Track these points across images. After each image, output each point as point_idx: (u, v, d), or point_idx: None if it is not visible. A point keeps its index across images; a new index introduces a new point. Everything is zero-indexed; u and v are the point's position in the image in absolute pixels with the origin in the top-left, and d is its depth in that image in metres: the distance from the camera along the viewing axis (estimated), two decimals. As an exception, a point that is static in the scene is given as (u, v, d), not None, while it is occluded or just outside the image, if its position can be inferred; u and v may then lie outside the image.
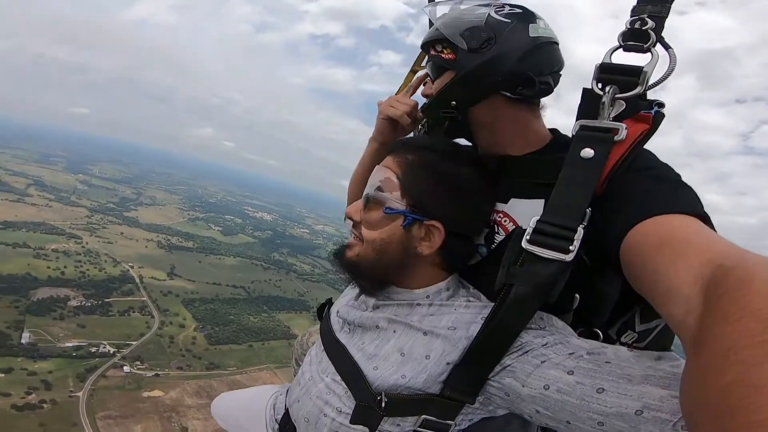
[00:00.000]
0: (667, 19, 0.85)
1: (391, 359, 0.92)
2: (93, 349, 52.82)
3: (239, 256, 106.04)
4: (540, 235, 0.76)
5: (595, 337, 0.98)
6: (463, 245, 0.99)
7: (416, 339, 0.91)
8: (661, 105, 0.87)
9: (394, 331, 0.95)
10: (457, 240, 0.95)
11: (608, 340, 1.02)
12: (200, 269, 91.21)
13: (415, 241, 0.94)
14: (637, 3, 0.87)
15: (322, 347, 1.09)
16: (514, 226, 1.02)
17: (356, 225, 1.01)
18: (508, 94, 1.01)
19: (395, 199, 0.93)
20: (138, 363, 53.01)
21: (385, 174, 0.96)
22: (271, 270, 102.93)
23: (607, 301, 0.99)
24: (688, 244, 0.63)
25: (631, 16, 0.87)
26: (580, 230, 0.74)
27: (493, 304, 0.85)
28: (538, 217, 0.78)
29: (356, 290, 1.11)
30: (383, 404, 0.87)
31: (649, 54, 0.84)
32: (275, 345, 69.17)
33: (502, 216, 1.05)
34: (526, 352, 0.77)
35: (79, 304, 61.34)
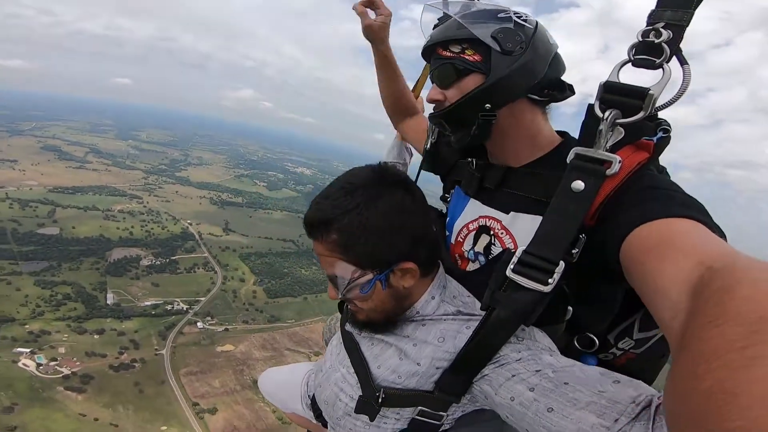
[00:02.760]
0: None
1: (391, 361, 0.96)
2: (168, 307, 55.30)
3: (285, 210, 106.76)
4: (523, 266, 0.77)
5: (591, 344, 0.99)
6: (428, 251, 0.95)
7: (409, 348, 0.94)
8: (667, 130, 0.82)
9: (392, 344, 0.98)
10: (423, 251, 0.93)
11: (606, 344, 1.03)
12: (251, 224, 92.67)
13: (398, 286, 0.93)
14: (656, 7, 0.76)
15: (341, 339, 1.13)
16: (510, 240, 1.03)
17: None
18: (536, 98, 0.98)
19: (359, 277, 0.90)
20: (209, 318, 55.27)
21: (333, 263, 0.91)
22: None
23: (607, 310, 0.98)
24: (679, 247, 0.60)
25: (647, 24, 0.77)
26: (562, 264, 0.74)
27: (477, 314, 0.92)
28: (524, 248, 0.79)
29: None
30: (380, 400, 0.93)
31: (660, 71, 0.75)
32: (326, 297, 69.93)
33: (500, 228, 1.05)
34: (502, 365, 0.81)
35: (149, 263, 63.69)
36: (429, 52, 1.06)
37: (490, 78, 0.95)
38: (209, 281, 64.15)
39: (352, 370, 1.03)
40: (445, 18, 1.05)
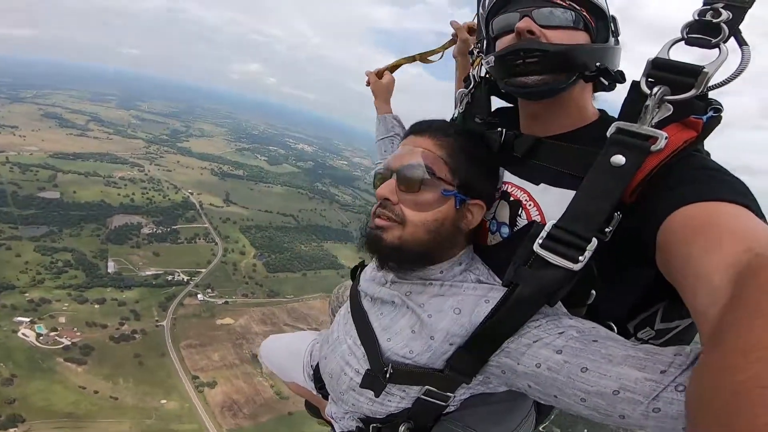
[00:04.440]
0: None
1: (403, 334, 0.91)
2: (169, 278, 54.23)
3: (286, 185, 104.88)
4: (552, 241, 0.72)
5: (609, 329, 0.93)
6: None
7: (423, 320, 0.89)
8: (719, 109, 0.75)
9: (407, 307, 0.93)
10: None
11: (625, 333, 0.95)
12: (252, 196, 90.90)
13: (463, 216, 0.93)
14: None
15: (350, 309, 1.08)
16: (537, 212, 0.95)
17: (388, 206, 0.92)
18: (603, 80, 0.93)
19: (448, 182, 0.90)
20: (209, 291, 54.35)
21: (432, 156, 0.91)
22: (315, 199, 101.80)
23: (629, 295, 0.92)
24: (726, 231, 0.57)
25: (704, 4, 0.72)
26: (594, 241, 0.69)
27: (497, 284, 0.88)
28: (554, 221, 0.74)
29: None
30: (388, 375, 0.89)
31: (716, 50, 0.70)
32: (325, 274, 69.33)
33: (527, 198, 0.97)
34: (520, 335, 0.76)
35: (151, 231, 62.19)
36: None
37: (606, 43, 0.94)
38: (210, 252, 62.86)
39: (359, 342, 0.98)
40: None
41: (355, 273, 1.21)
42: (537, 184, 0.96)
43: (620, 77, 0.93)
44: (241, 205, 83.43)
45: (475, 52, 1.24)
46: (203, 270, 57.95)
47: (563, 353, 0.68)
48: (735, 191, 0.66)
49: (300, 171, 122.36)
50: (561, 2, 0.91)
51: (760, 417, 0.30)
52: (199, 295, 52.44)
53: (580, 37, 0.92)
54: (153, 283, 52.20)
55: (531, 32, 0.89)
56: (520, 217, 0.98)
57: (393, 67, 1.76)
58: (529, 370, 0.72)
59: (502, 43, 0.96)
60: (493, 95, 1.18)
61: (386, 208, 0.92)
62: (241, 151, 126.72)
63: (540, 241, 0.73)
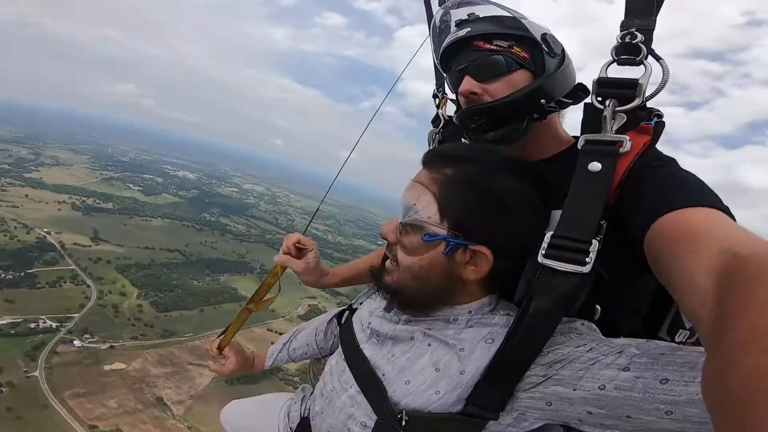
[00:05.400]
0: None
1: (426, 373, 0.80)
2: (32, 325, 46.25)
3: (167, 217, 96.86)
4: (555, 249, 0.71)
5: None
6: (514, 265, 0.79)
7: (452, 355, 0.79)
8: (660, 115, 0.83)
9: (429, 345, 0.83)
10: (508, 260, 0.79)
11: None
12: (127, 232, 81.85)
13: (459, 267, 0.80)
14: (625, 17, 0.82)
15: (344, 357, 0.97)
16: None
17: (391, 246, 0.87)
18: (566, 100, 0.97)
19: (434, 224, 0.78)
20: (88, 336, 47.80)
21: (419, 193, 0.81)
22: (204, 231, 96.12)
23: (640, 305, 0.92)
24: (705, 235, 0.58)
25: (621, 31, 0.81)
26: (595, 242, 0.69)
27: None
28: (551, 232, 0.73)
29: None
30: (404, 422, 0.78)
31: (642, 67, 0.79)
32: (227, 308, 65.93)
33: None
34: (571, 361, 0.70)
35: (-2, 277, 51.90)
36: (460, 45, 0.99)
37: (544, 76, 0.95)
38: (81, 296, 55.18)
39: (361, 391, 0.87)
40: (464, 20, 0.99)
41: (341, 317, 1.16)
42: None
43: (581, 93, 0.97)
44: (114, 243, 74.62)
45: (440, 95, 1.33)
46: (76, 315, 50.61)
47: (631, 370, 0.64)
48: (702, 194, 0.70)
49: (183, 201, 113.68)
50: (489, 47, 0.95)
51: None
52: (75, 342, 45.73)
53: (520, 79, 0.95)
54: (12, 332, 43.92)
55: (474, 93, 0.95)
56: None
57: (230, 335, 1.40)
58: (591, 394, 0.67)
59: (460, 102, 1.04)
60: (464, 133, 1.14)
61: (389, 248, 0.88)
62: (108, 180, 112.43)
63: (543, 252, 0.72)
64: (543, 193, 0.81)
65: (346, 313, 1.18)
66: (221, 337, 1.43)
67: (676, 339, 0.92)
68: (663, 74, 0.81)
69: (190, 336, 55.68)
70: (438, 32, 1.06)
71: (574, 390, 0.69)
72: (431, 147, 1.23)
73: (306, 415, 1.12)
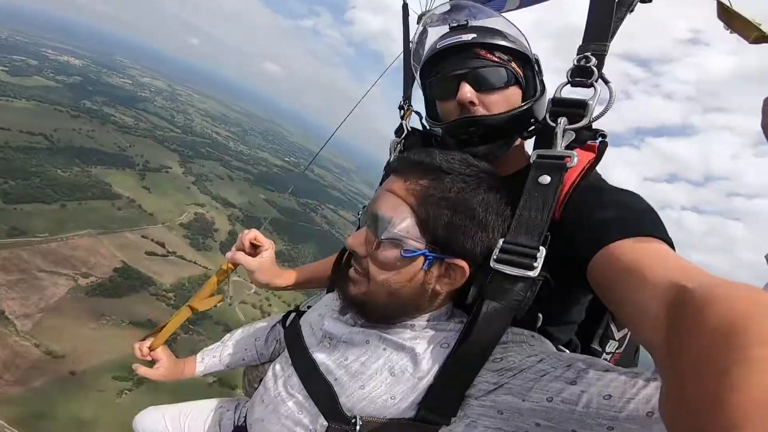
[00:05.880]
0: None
1: (380, 377, 0.81)
2: None
3: (36, 99, 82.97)
4: (506, 254, 0.75)
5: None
6: (485, 275, 0.79)
7: (407, 359, 0.81)
8: (605, 135, 0.89)
9: (384, 349, 0.84)
10: (481, 272, 0.80)
11: (592, 354, 1.04)
12: (-25, 109, 69.15)
13: (433, 279, 0.81)
14: (582, 42, 0.88)
15: (290, 362, 0.96)
16: None
17: (360, 259, 0.85)
18: (548, 122, 0.93)
19: (413, 238, 0.78)
20: None
21: (395, 205, 0.80)
22: (82, 119, 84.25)
23: (574, 317, 0.99)
24: (651, 267, 0.62)
25: (577, 54, 0.88)
26: (543, 249, 0.74)
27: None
28: (502, 239, 0.77)
29: (337, 301, 0.95)
30: (357, 428, 0.79)
31: (592, 89, 0.86)
32: (96, 205, 59.35)
33: None
34: (522, 370, 0.72)
35: None
36: (458, 49, 0.97)
37: (537, 96, 0.99)
38: None
39: (309, 396, 0.87)
40: (472, 27, 1.01)
41: (286, 320, 1.15)
42: None
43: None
44: (-42, 118, 62.69)
45: (405, 107, 1.32)
46: None
47: (578, 384, 0.66)
48: (646, 223, 0.73)
49: (61, 86, 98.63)
50: (492, 58, 0.95)
51: (721, 421, 0.34)
52: None
53: (514, 95, 0.97)
54: None
55: (472, 103, 0.95)
56: None
57: (165, 335, 1.29)
58: (539, 405, 0.68)
59: (445, 110, 1.01)
60: (426, 145, 1.16)
61: (356, 260, 0.87)
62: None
63: (495, 257, 0.75)
64: (514, 207, 0.83)
65: (292, 315, 1.19)
66: (152, 336, 1.31)
67: (607, 349, 1.03)
68: (610, 96, 0.87)
69: (45, 237, 48.51)
70: (427, 35, 1.12)
71: (524, 401, 0.70)
72: (393, 155, 1.23)
73: (240, 423, 1.10)
